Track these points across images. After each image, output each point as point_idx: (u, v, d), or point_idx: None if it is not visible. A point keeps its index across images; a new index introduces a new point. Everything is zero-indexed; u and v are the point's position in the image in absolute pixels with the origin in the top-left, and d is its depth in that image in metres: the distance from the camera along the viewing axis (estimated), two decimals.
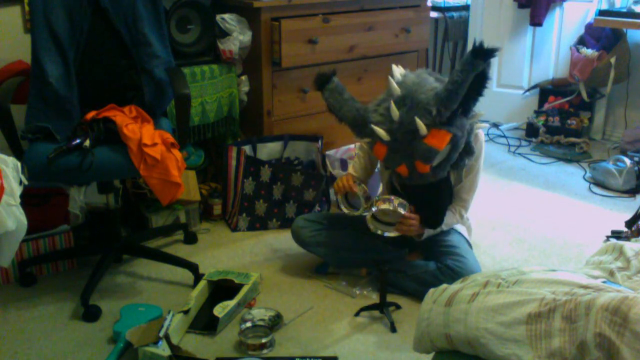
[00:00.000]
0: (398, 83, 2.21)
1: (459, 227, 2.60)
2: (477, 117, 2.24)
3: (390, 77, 2.24)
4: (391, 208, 2.31)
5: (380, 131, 2.18)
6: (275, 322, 2.29)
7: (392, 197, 2.33)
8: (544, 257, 2.83)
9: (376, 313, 2.36)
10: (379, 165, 2.65)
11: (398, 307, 2.40)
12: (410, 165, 2.20)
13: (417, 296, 2.41)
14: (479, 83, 2.09)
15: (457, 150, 2.21)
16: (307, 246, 2.62)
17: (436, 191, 2.35)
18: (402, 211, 2.32)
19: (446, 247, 2.48)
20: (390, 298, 2.39)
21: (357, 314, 2.36)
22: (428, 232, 2.48)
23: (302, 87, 3.26)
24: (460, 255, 2.43)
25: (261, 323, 2.25)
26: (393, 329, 2.27)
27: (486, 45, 2.03)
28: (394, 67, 2.29)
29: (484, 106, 4.94)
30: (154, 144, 2.29)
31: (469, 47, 4.83)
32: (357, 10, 3.36)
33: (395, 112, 2.15)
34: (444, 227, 2.49)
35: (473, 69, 2.03)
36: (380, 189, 2.72)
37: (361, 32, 3.37)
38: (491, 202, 3.38)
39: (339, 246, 2.56)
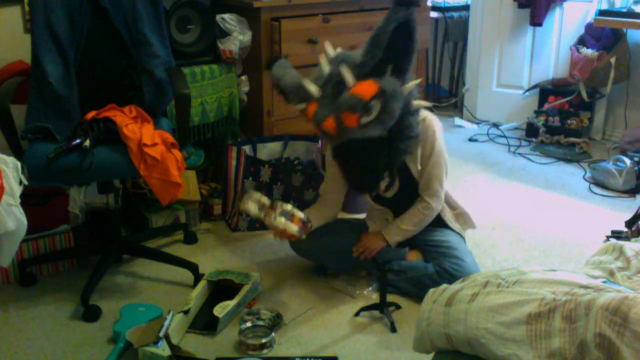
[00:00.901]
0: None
1: (455, 224, 2.61)
2: (410, 85, 2.14)
3: (325, 43, 2.25)
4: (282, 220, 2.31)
5: (310, 85, 2.14)
6: (275, 322, 2.29)
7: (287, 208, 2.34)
8: (544, 257, 2.83)
9: (376, 313, 2.36)
10: None
11: (398, 307, 2.40)
12: (338, 118, 2.09)
13: (416, 297, 2.42)
14: (405, 35, 2.02)
15: (388, 112, 2.08)
16: (305, 254, 2.64)
17: (367, 155, 2.18)
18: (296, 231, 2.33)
19: (444, 248, 2.49)
20: (390, 298, 2.39)
21: (357, 314, 2.36)
22: (398, 237, 2.49)
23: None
24: (459, 259, 2.43)
25: (261, 323, 2.25)
26: (393, 329, 2.27)
27: None
28: (327, 43, 2.28)
29: (484, 106, 4.96)
30: (154, 144, 2.29)
31: (469, 47, 4.86)
32: (357, 10, 3.36)
33: (325, 65, 2.14)
34: (413, 227, 2.49)
35: (393, 15, 1.99)
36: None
37: (361, 32, 3.36)
38: (491, 202, 3.38)
39: (337, 251, 2.56)
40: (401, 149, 2.20)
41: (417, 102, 2.20)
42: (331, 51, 2.22)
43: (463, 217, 2.66)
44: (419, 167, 2.43)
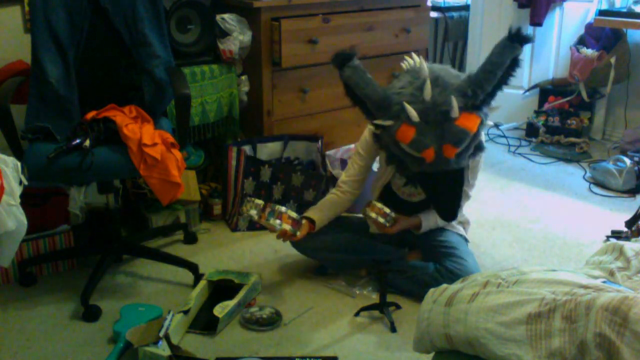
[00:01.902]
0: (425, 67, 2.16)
1: (457, 227, 2.61)
2: (494, 109, 2.21)
3: (414, 56, 2.18)
4: (380, 220, 2.38)
5: (411, 111, 2.07)
6: (275, 320, 2.30)
7: (385, 210, 2.37)
8: (544, 257, 2.83)
9: (376, 313, 2.36)
10: (375, 168, 2.64)
11: (398, 307, 2.40)
12: (438, 148, 2.10)
13: (416, 297, 2.41)
14: (509, 69, 2.08)
15: (478, 138, 2.18)
16: (306, 252, 2.63)
17: (457, 181, 2.27)
18: (386, 224, 2.38)
19: (445, 247, 2.49)
20: (390, 298, 2.39)
21: (357, 314, 2.37)
22: (426, 226, 2.50)
23: (302, 87, 3.26)
24: (459, 257, 2.43)
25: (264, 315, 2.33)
26: (393, 329, 2.27)
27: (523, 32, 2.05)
28: (414, 55, 2.21)
29: None
30: (154, 144, 2.29)
31: (469, 47, 4.85)
32: (357, 10, 3.36)
33: (428, 91, 2.07)
34: (440, 224, 2.50)
35: (511, 52, 2.03)
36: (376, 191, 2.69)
37: (361, 32, 3.37)
38: (491, 202, 3.38)
39: (338, 250, 2.56)
40: (477, 161, 2.34)
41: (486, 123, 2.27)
42: (423, 64, 2.15)
43: (465, 224, 2.68)
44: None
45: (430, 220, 2.52)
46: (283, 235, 2.36)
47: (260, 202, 2.33)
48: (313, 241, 2.55)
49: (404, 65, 2.21)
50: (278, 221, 2.31)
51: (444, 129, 2.08)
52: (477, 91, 2.06)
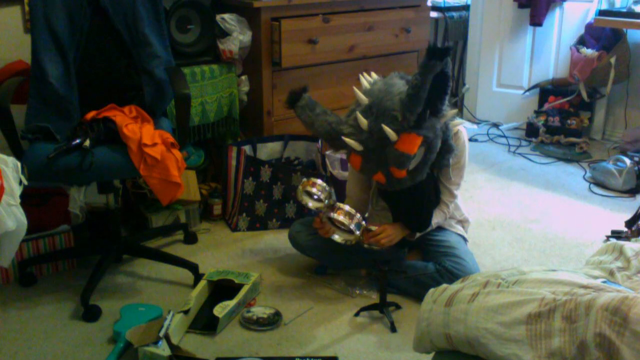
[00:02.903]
0: (365, 92, 2.22)
1: (456, 226, 2.60)
2: (448, 116, 2.23)
3: (354, 88, 2.25)
4: (345, 222, 2.33)
5: (352, 142, 2.18)
6: (274, 320, 2.30)
7: (355, 214, 2.34)
8: (544, 257, 2.83)
9: (376, 313, 2.36)
10: None
11: (398, 307, 2.40)
12: (386, 172, 2.19)
13: (416, 297, 2.42)
14: (441, 82, 2.07)
15: (432, 151, 2.21)
16: (305, 250, 2.63)
17: (419, 195, 2.33)
18: (356, 232, 2.35)
19: (444, 247, 2.49)
20: (390, 298, 2.39)
21: (357, 314, 2.37)
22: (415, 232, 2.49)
23: (302, 87, 3.25)
24: (459, 257, 2.43)
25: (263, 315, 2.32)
26: (393, 329, 2.27)
27: (440, 44, 2.07)
28: (361, 77, 2.30)
29: (484, 106, 4.96)
30: (154, 144, 2.29)
31: (469, 47, 4.84)
32: (357, 10, 3.36)
33: (363, 122, 2.15)
34: (433, 225, 2.50)
35: (430, 71, 2.00)
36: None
37: (361, 32, 3.37)
38: (491, 202, 3.38)
39: (336, 249, 2.56)
40: (444, 165, 2.33)
41: (452, 123, 2.31)
42: (366, 82, 2.25)
43: (465, 223, 2.67)
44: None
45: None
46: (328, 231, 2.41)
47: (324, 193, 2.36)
48: (312, 240, 2.55)
49: (362, 84, 2.28)
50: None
51: (386, 154, 2.16)
52: (406, 115, 2.08)
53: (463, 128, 2.44)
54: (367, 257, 2.53)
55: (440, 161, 2.29)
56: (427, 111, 2.12)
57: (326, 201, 2.35)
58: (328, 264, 2.65)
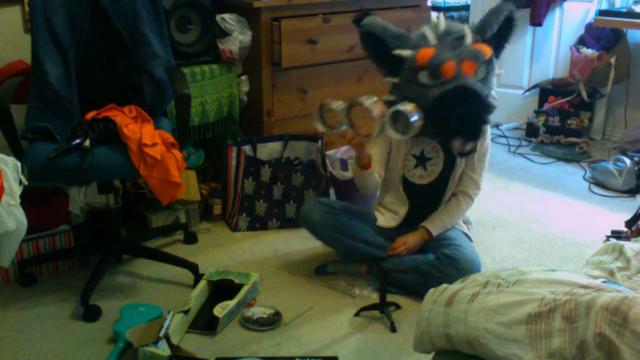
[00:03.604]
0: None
1: (461, 223, 2.61)
2: (499, 75, 2.42)
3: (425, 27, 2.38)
4: (369, 102, 2.21)
5: (430, 33, 2.30)
6: (274, 320, 2.30)
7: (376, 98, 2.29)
8: (544, 257, 2.83)
9: (376, 313, 2.36)
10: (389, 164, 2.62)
11: (398, 307, 2.40)
12: (458, 64, 2.23)
13: (416, 288, 2.41)
14: (508, 27, 2.36)
15: (490, 79, 2.34)
16: (315, 227, 2.58)
17: (472, 104, 2.25)
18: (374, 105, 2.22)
19: (444, 240, 2.50)
20: (390, 298, 2.39)
21: (357, 314, 2.37)
22: (436, 231, 2.51)
23: (302, 87, 3.26)
24: (457, 245, 2.45)
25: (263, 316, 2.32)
26: (393, 329, 2.27)
27: None
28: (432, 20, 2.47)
29: None
30: (154, 144, 2.29)
31: None
32: (357, 10, 3.35)
33: (442, 22, 2.33)
34: (452, 221, 2.54)
35: (505, 6, 2.32)
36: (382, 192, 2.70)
37: None
38: (491, 202, 3.38)
39: (346, 233, 2.53)
40: (485, 144, 2.48)
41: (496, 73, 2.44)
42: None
43: (468, 224, 2.69)
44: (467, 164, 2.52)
45: (437, 225, 2.53)
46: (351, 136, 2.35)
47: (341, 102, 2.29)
48: (325, 218, 2.53)
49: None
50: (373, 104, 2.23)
51: (461, 50, 2.25)
52: (484, 26, 2.32)
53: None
54: (372, 250, 2.52)
55: (486, 114, 2.28)
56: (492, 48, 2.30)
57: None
58: (335, 246, 2.61)
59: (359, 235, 2.54)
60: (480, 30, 2.31)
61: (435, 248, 2.50)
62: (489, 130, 2.52)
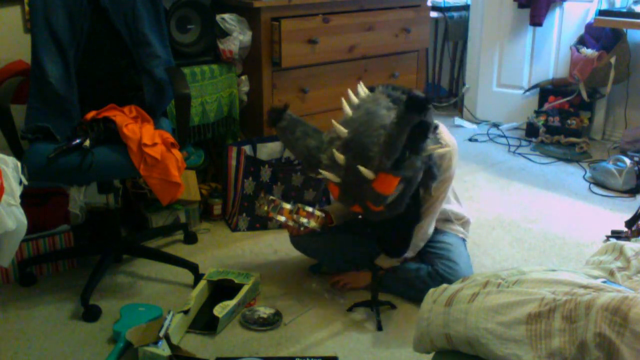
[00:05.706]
0: (346, 121, 2.09)
1: (456, 228, 2.60)
2: (432, 149, 2.09)
3: (334, 121, 2.11)
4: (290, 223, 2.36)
5: (329, 175, 2.09)
6: (274, 320, 2.30)
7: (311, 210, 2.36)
8: (544, 257, 2.83)
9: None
10: None
11: (393, 306, 2.40)
12: (364, 205, 2.10)
13: (406, 299, 2.43)
14: (421, 129, 1.95)
15: (412, 185, 2.08)
16: (306, 252, 2.65)
17: (396, 224, 2.26)
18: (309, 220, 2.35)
19: (440, 248, 2.49)
20: (386, 297, 2.39)
21: (350, 309, 2.37)
22: (391, 263, 2.47)
23: (302, 87, 3.26)
24: (452, 261, 2.43)
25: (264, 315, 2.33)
26: (379, 328, 2.28)
27: (420, 95, 1.90)
28: (345, 98, 2.18)
29: (484, 106, 4.96)
30: (154, 144, 2.29)
31: (469, 47, 4.84)
32: (357, 10, 3.36)
33: (340, 158, 2.04)
34: (410, 253, 2.47)
35: (408, 123, 1.91)
36: None
37: (361, 32, 3.36)
38: (491, 202, 3.38)
39: (336, 250, 2.57)
40: (429, 186, 2.19)
41: (437, 152, 2.14)
42: (347, 111, 2.12)
43: (465, 224, 2.67)
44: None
45: (386, 261, 2.48)
46: (288, 228, 2.43)
47: (272, 198, 2.39)
48: (314, 242, 2.56)
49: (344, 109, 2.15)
50: (282, 217, 2.34)
51: (363, 190, 2.04)
52: (383, 159, 1.97)
53: (452, 147, 2.33)
54: (365, 258, 2.53)
55: (425, 183, 2.17)
56: (407, 152, 2.00)
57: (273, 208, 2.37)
58: (328, 265, 2.65)
59: (350, 248, 2.56)
60: (382, 154, 1.96)
61: (429, 256, 2.49)
62: (452, 166, 2.34)
